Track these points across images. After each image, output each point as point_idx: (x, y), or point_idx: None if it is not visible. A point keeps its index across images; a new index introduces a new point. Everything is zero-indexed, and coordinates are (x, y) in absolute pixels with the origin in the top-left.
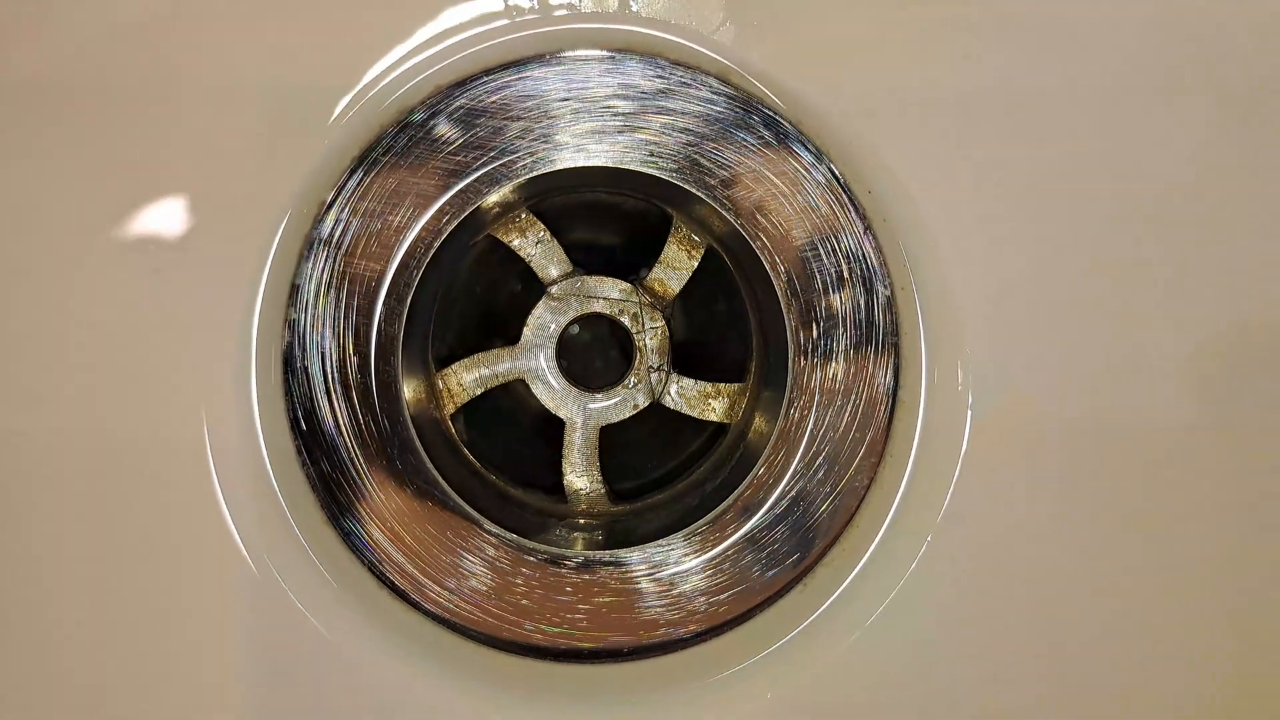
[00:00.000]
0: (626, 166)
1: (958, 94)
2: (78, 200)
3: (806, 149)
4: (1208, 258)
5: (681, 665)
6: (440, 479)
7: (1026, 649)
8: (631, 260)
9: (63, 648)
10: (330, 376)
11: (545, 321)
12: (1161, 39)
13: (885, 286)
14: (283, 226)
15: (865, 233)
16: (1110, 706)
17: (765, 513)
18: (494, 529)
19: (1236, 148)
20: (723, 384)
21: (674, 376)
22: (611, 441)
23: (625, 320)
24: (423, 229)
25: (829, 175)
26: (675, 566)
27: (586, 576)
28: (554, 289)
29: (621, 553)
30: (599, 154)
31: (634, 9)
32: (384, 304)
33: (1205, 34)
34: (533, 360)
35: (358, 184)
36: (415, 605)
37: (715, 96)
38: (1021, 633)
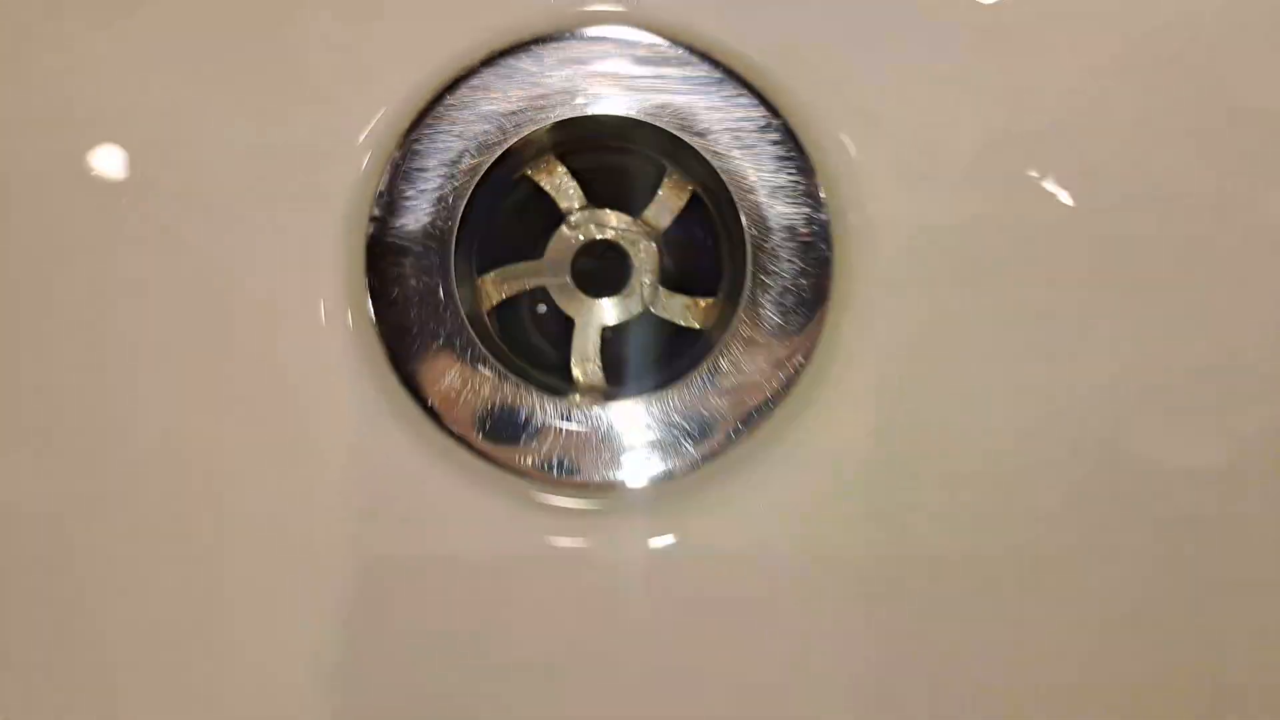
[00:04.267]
0: (630, 116)
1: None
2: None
3: (763, 106)
4: None
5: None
6: (479, 342)
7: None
8: (634, 199)
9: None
10: (402, 263)
11: (563, 242)
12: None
13: (822, 214)
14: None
15: (811, 177)
16: None
17: (720, 377)
18: (519, 379)
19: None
20: (700, 298)
21: (662, 291)
22: (611, 346)
23: (625, 245)
24: (474, 165)
25: (784, 131)
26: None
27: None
28: (571, 218)
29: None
30: (608, 107)
31: None
32: (440, 217)
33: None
34: (551, 272)
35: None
36: (455, 437)
37: (696, 61)
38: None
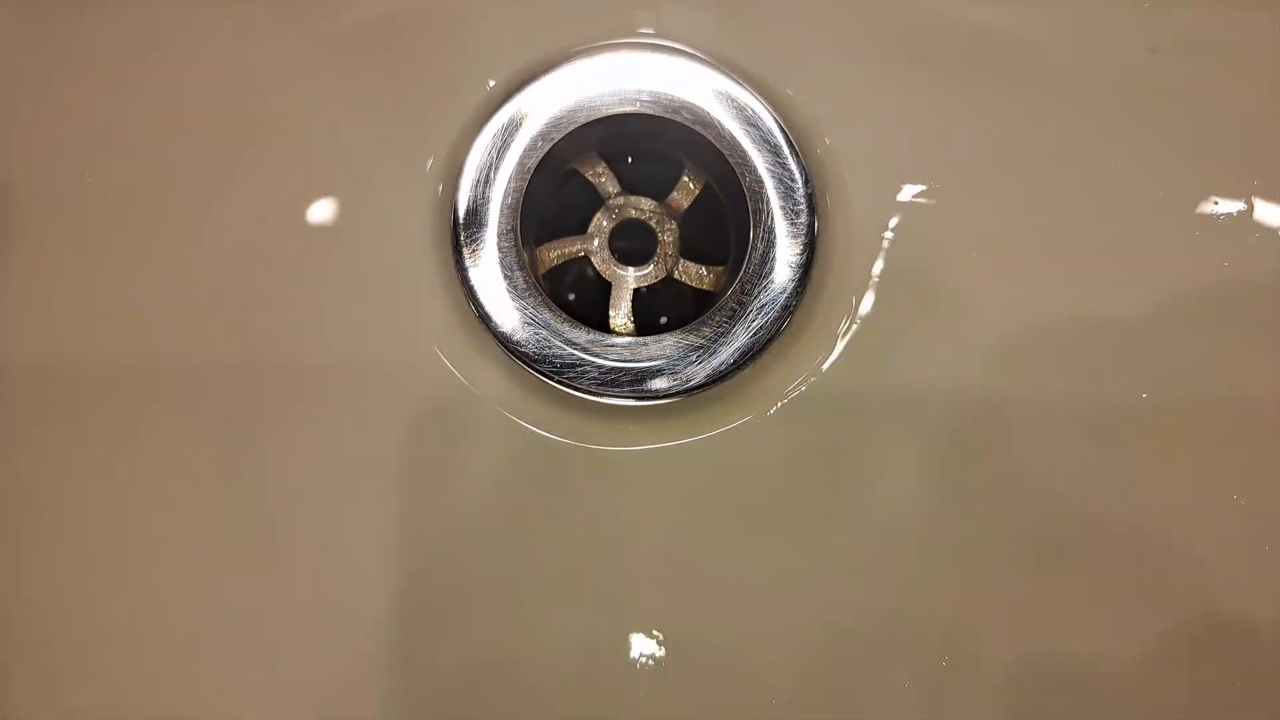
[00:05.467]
0: (658, 115)
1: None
2: None
3: (764, 119)
4: None
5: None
6: (540, 294)
7: None
8: (659, 187)
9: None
10: (484, 236)
11: (603, 220)
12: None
13: (808, 194)
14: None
15: (804, 176)
16: None
17: (727, 323)
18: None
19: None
20: (712, 266)
21: (681, 260)
22: (641, 304)
23: (652, 223)
24: (529, 158)
25: (784, 135)
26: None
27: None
28: (609, 201)
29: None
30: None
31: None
32: (513, 199)
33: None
34: (593, 244)
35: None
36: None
37: (709, 73)
38: None
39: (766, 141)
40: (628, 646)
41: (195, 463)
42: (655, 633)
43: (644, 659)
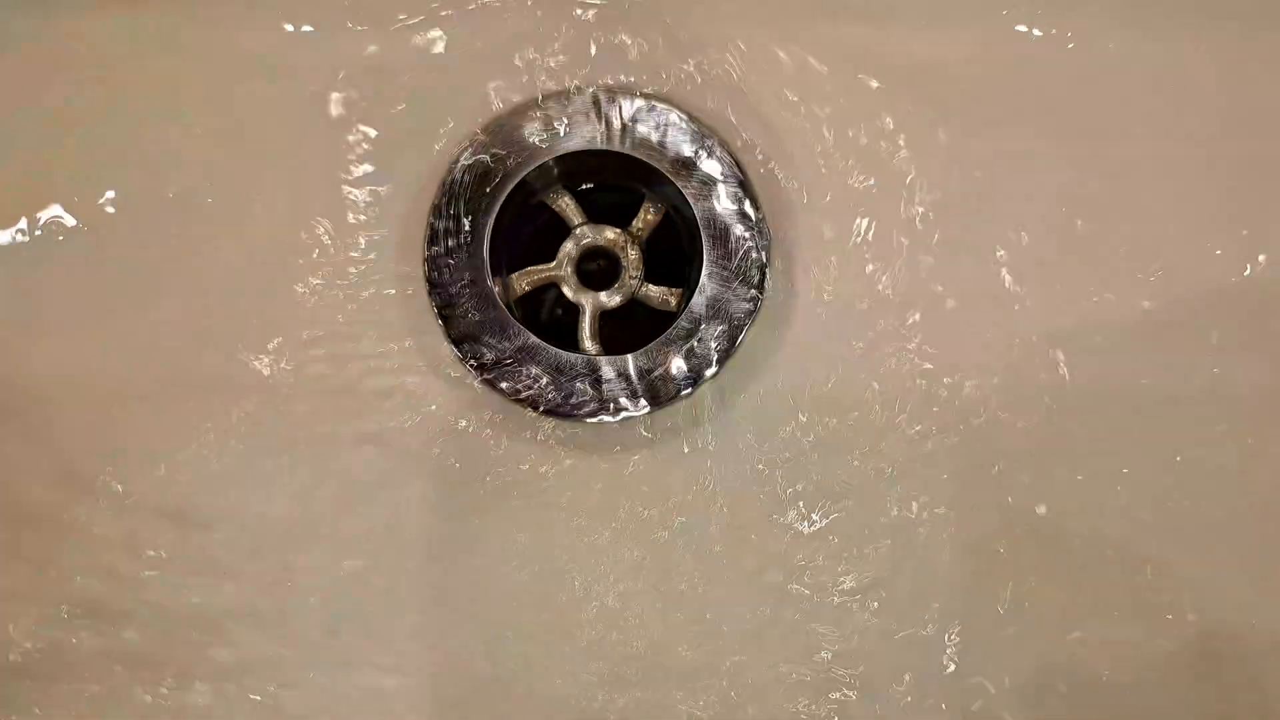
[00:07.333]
0: (615, 150)
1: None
2: None
3: (717, 151)
4: None
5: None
6: (511, 317)
7: None
8: (622, 215)
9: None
10: (453, 270)
11: (570, 248)
12: None
13: (764, 235)
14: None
15: (756, 212)
16: None
17: (686, 341)
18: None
19: None
20: (673, 288)
21: (645, 283)
22: (608, 325)
23: (616, 250)
24: (496, 190)
25: (732, 164)
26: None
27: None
28: (576, 230)
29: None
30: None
31: None
32: (481, 232)
33: None
34: (562, 270)
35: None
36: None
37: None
38: None
39: (723, 175)
40: None
41: None
42: None
43: None
